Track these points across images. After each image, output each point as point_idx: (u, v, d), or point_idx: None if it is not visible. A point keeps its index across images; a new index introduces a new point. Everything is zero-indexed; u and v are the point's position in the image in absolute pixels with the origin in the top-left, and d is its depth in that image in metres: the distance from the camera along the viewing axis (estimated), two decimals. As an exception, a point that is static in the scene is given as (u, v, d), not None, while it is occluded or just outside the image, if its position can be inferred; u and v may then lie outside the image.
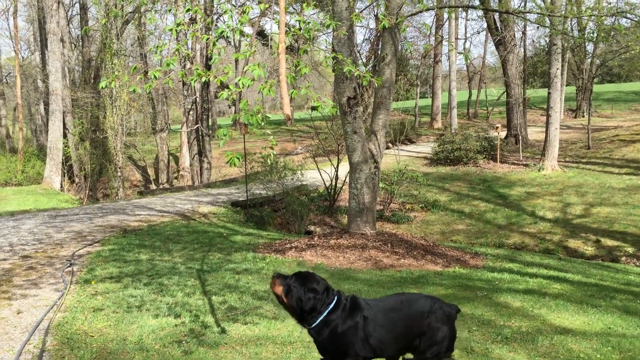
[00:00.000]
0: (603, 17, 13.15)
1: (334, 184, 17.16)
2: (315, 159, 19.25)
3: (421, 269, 9.45)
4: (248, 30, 31.29)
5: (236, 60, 37.39)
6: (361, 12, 10.55)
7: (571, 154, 23.79)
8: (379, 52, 12.39)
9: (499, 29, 27.09)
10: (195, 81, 4.86)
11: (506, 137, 27.36)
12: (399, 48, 12.70)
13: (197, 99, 29.35)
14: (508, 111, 28.00)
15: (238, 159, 4.07)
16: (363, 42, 32.98)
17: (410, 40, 37.02)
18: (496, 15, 26.94)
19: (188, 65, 25.48)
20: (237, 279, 8.02)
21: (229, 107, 59.05)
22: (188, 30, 5.65)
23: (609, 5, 23.62)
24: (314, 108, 4.69)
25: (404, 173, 17.80)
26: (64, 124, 26.86)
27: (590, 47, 33.16)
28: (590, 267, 11.01)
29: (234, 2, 28.79)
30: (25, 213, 15.88)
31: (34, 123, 41.10)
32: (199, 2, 25.44)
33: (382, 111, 11.39)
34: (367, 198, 11.10)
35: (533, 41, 45.93)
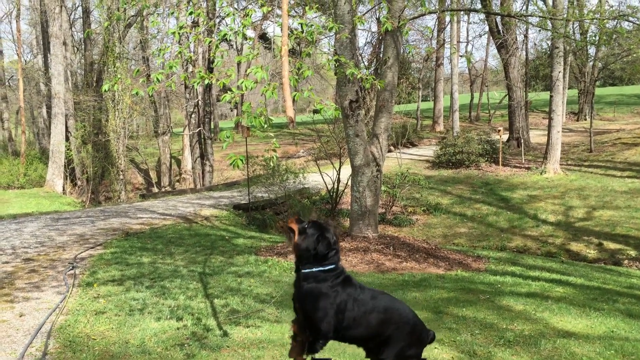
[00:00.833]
0: (605, 21, 13.14)
1: (335, 187, 17.14)
2: (317, 162, 19.23)
3: (423, 272, 9.44)
4: (250, 33, 31.35)
5: (238, 64, 37.44)
6: (363, 15, 10.57)
7: (573, 157, 23.77)
8: (381, 56, 12.40)
9: (501, 32, 27.09)
10: (198, 84, 4.87)
11: (508, 140, 27.34)
12: (401, 51, 12.70)
13: (199, 102, 29.39)
14: (510, 114, 27.98)
15: (241, 160, 4.07)
16: (365, 45, 33.00)
17: (412, 43, 37.03)
18: (498, 19, 26.95)
19: (190, 69, 25.53)
20: (239, 282, 8.02)
21: (231, 110, 59.10)
22: (191, 33, 5.67)
23: (611, 9, 23.60)
24: (315, 111, 4.70)
25: (406, 176, 17.79)
26: (67, 127, 26.92)
27: (592, 50, 33.11)
28: (593, 270, 10.99)
29: (236, 6, 28.82)
30: (28, 216, 15.90)
31: (37, 126, 41.17)
32: (201, 5, 25.45)
33: (384, 114, 11.39)
34: (369, 201, 11.10)
35: (535, 44, 45.89)
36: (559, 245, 14.57)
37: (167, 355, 5.18)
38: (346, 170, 14.68)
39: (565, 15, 15.88)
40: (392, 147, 26.22)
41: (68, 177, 27.45)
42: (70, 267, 8.66)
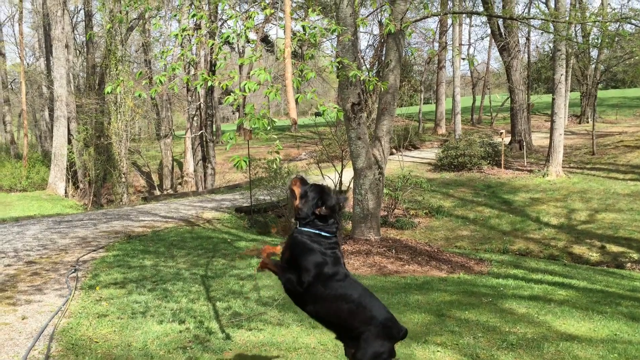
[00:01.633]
0: (607, 23, 13.13)
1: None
2: (319, 164, 19.23)
3: (426, 275, 9.43)
4: (253, 36, 31.39)
5: (240, 66, 37.47)
6: (366, 17, 10.57)
7: (576, 159, 23.74)
8: (383, 59, 12.41)
9: (503, 35, 27.09)
10: (201, 86, 4.88)
11: (510, 142, 27.32)
12: (403, 54, 12.71)
13: (201, 105, 29.43)
14: (512, 117, 27.97)
15: (245, 162, 4.07)
16: (367, 48, 33.07)
17: (415, 46, 37.06)
18: (500, 22, 26.94)
19: (192, 72, 25.57)
20: (242, 285, 8.01)
21: (233, 113, 59.20)
22: (193, 35, 5.68)
23: (613, 12, 23.60)
24: (317, 114, 4.70)
25: (408, 179, 17.77)
26: (69, 130, 26.96)
27: (594, 53, 33.17)
28: (596, 273, 10.96)
29: (237, 9, 28.85)
30: (30, 219, 15.92)
31: (39, 129, 41.23)
32: (202, 8, 25.52)
33: (386, 117, 11.39)
34: (372, 204, 11.09)
35: (537, 47, 45.88)
36: (562, 248, 14.54)
37: (169, 358, 5.18)
38: (348, 173, 14.68)
39: (567, 18, 15.88)
40: (394, 150, 26.20)
41: (70, 180, 27.47)
42: (73, 270, 8.67)
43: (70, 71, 28.93)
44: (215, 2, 5.84)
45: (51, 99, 30.06)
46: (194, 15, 5.50)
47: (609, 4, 32.70)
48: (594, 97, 33.20)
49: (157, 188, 31.88)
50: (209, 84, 4.91)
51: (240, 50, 39.41)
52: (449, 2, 27.77)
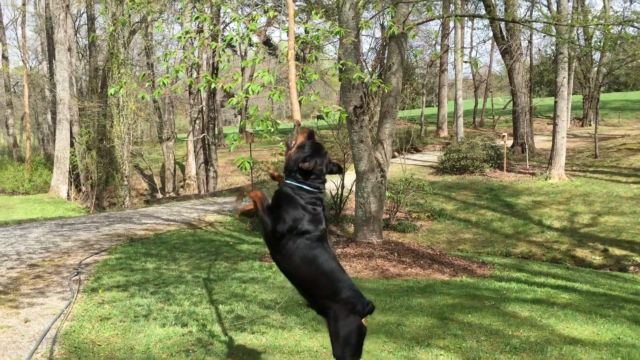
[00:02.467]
0: (610, 26, 13.13)
1: (340, 192, 17.13)
2: (322, 167, 19.22)
3: (428, 278, 9.42)
4: (255, 39, 31.43)
5: (242, 69, 37.52)
6: (369, 20, 10.58)
7: (578, 162, 23.71)
8: (385, 62, 12.42)
9: (505, 37, 27.09)
10: (204, 88, 4.88)
11: (513, 145, 27.30)
12: (405, 57, 12.72)
13: (204, 108, 29.47)
14: (514, 120, 27.94)
15: (249, 163, 4.07)
16: (369, 51, 33.07)
17: (418, 48, 37.03)
18: (502, 25, 26.96)
19: (195, 75, 25.60)
20: (244, 288, 8.01)
21: (235, 117, 59.22)
22: (196, 38, 5.69)
23: (616, 14, 23.59)
24: (319, 117, 4.69)
25: (410, 182, 17.75)
26: (71, 133, 27.00)
27: (596, 55, 33.13)
28: (598, 276, 10.94)
29: (239, 12, 28.90)
30: (33, 222, 15.94)
31: (41, 132, 41.27)
32: (205, 11, 25.52)
33: (389, 120, 11.39)
34: (374, 207, 11.09)
35: (539, 50, 45.94)
36: (564, 251, 14.51)
37: (172, 362, 5.17)
38: (350, 176, 14.68)
39: (569, 21, 15.88)
40: (396, 153, 26.21)
41: (73, 183, 27.49)
42: (75, 273, 8.67)
43: (73, 74, 28.96)
44: (218, 5, 5.85)
45: (54, 102, 30.09)
46: (197, 18, 5.50)
47: (611, 6, 32.73)
48: (596, 100, 33.14)
49: (159, 191, 31.90)
50: (212, 86, 4.92)
51: (242, 54, 39.46)
52: (451, 5, 27.79)
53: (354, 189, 14.30)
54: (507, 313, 6.96)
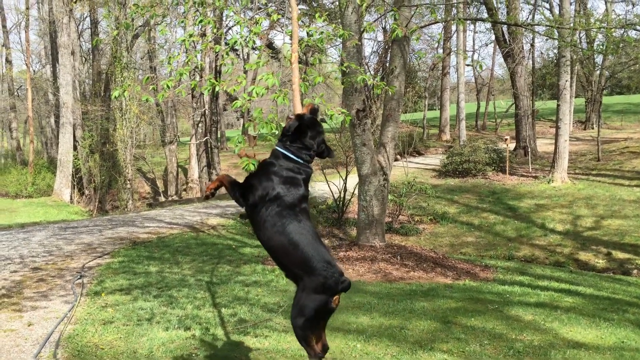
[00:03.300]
0: (612, 30, 13.12)
1: (342, 196, 17.14)
2: (324, 170, 19.24)
3: (431, 281, 9.41)
4: (258, 42, 31.48)
5: (245, 72, 37.57)
6: (372, 24, 10.60)
7: (581, 165, 23.68)
8: (387, 65, 12.43)
9: (508, 41, 27.09)
10: (208, 91, 4.89)
11: (515, 149, 27.28)
12: (408, 60, 12.73)
13: (206, 112, 29.50)
14: (517, 123, 27.94)
15: (253, 165, 4.08)
16: (371, 54, 33.05)
17: (422, 50, 37.04)
18: (505, 28, 26.97)
19: (198, 78, 25.65)
20: (247, 291, 8.01)
21: (238, 120, 59.29)
22: (199, 41, 5.70)
23: (618, 18, 23.58)
24: (322, 121, 4.69)
25: (412, 185, 17.76)
26: (74, 137, 27.07)
27: (599, 59, 33.09)
28: (602, 280, 10.91)
29: (242, 16, 28.94)
30: (36, 225, 15.95)
31: (45, 136, 41.39)
32: (207, 15, 25.54)
33: (391, 123, 11.40)
34: (376, 210, 11.08)
35: (542, 53, 45.84)
36: (568, 254, 14.49)
37: (175, 365, 5.17)
38: (353, 179, 14.69)
39: (572, 24, 15.87)
40: (398, 156, 26.21)
41: (76, 186, 27.56)
42: (78, 276, 8.68)
43: (76, 78, 29.05)
44: (221, 8, 5.86)
45: (57, 106, 30.18)
46: (200, 22, 5.52)
47: (613, 10, 32.72)
48: (599, 103, 33.12)
49: (162, 194, 31.93)
50: (217, 89, 4.93)
51: (245, 57, 39.53)
52: (453, 8, 27.82)
53: (356, 192, 14.31)
54: (511, 317, 6.95)
